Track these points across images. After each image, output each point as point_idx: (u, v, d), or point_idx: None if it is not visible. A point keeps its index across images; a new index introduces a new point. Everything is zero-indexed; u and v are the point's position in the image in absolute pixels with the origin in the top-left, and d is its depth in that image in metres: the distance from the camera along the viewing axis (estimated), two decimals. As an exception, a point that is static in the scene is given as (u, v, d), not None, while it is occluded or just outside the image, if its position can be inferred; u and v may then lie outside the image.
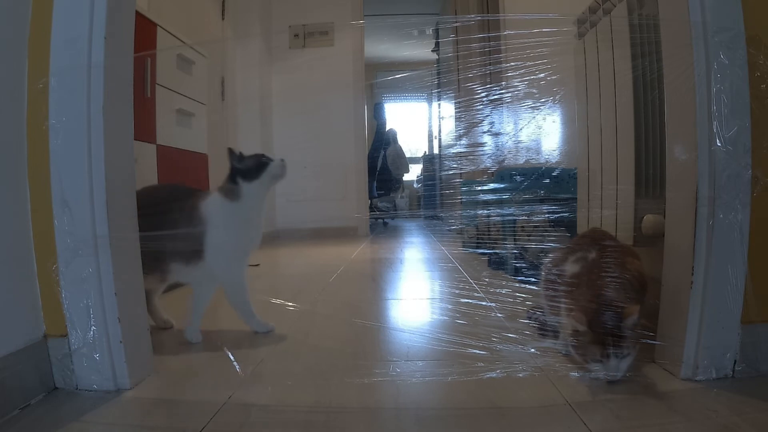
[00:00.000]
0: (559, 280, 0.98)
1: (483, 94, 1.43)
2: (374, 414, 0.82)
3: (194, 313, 1.22)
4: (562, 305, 0.94)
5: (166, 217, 1.13)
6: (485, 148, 1.74)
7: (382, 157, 5.39)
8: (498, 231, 1.94)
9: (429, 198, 4.64)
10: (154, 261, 1.09)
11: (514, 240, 1.80)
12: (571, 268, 0.97)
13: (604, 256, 0.95)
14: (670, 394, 0.84)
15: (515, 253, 1.71)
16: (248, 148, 3.96)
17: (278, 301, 1.64)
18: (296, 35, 4.12)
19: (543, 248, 1.31)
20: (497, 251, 1.89)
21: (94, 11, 0.88)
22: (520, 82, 1.24)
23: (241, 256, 1.24)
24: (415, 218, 5.76)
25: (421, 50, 6.03)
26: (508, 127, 1.67)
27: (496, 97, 1.39)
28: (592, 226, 1.48)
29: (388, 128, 5.61)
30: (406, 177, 5.96)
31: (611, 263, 0.93)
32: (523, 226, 1.75)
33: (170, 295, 1.76)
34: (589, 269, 0.94)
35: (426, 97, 7.40)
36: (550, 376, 0.91)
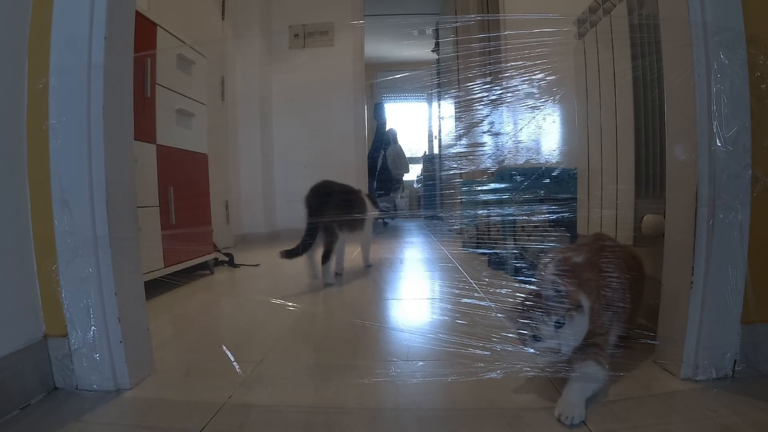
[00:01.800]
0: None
1: (483, 94, 1.43)
2: (374, 414, 0.82)
3: (364, 253, 2.36)
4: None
5: (353, 203, 2.08)
6: (485, 148, 1.74)
7: (382, 157, 5.39)
8: (498, 231, 1.94)
9: (429, 198, 4.64)
10: (338, 228, 1.94)
11: (514, 240, 1.80)
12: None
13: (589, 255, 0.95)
14: (670, 394, 0.84)
15: (515, 253, 1.71)
16: (248, 148, 3.97)
17: (278, 301, 1.64)
18: (296, 35, 4.12)
19: (543, 248, 1.31)
20: (497, 251, 1.89)
21: (94, 11, 0.88)
22: (520, 82, 1.24)
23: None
24: (415, 218, 5.76)
25: (421, 50, 6.03)
26: (508, 127, 1.67)
27: (496, 97, 1.39)
28: (592, 226, 1.48)
29: (388, 128, 5.61)
30: (406, 177, 5.95)
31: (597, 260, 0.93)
32: (523, 226, 1.75)
33: (176, 293, 1.76)
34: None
35: (426, 97, 7.40)
36: (551, 376, 0.91)
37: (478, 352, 1.02)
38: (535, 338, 0.83)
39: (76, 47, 0.88)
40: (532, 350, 0.86)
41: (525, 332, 0.85)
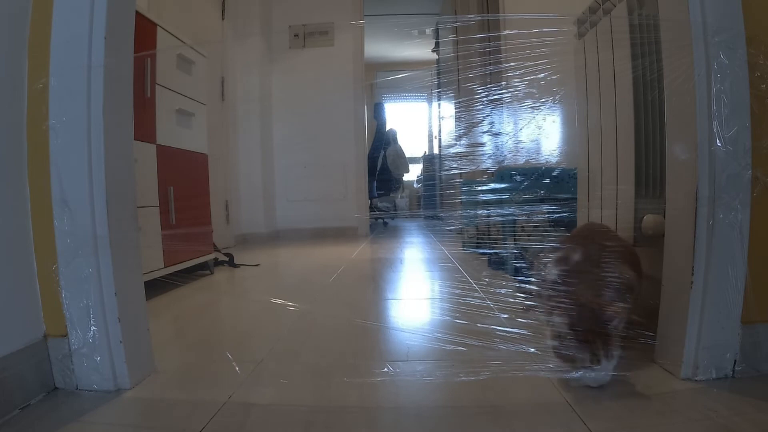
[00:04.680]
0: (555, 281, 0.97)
1: (483, 94, 1.43)
2: (375, 414, 0.82)
3: None
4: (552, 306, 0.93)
5: None
6: (485, 148, 1.75)
7: (382, 157, 5.39)
8: (498, 231, 1.94)
9: (429, 198, 4.64)
10: None
11: (514, 240, 1.80)
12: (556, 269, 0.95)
13: (592, 257, 0.94)
14: (670, 394, 0.84)
15: (515, 253, 1.71)
16: (248, 148, 4.00)
17: (278, 301, 1.64)
18: (296, 35, 4.12)
19: (543, 248, 1.31)
20: (497, 251, 1.89)
21: (94, 11, 0.88)
22: (520, 82, 1.24)
23: None
24: (415, 218, 5.76)
25: (421, 50, 6.03)
26: (508, 127, 1.67)
27: (496, 97, 1.39)
28: (590, 221, 1.48)
29: (388, 128, 5.61)
30: (406, 177, 5.96)
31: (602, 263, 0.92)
32: (523, 226, 1.75)
33: (176, 293, 1.76)
34: (577, 271, 0.92)
35: (426, 97, 7.40)
36: (551, 376, 0.91)
37: (478, 352, 1.02)
38: (585, 366, 0.81)
39: (76, 47, 0.88)
40: (578, 376, 0.84)
41: (582, 357, 0.81)
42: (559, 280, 0.91)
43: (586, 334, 0.81)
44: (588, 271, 0.91)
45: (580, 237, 1.08)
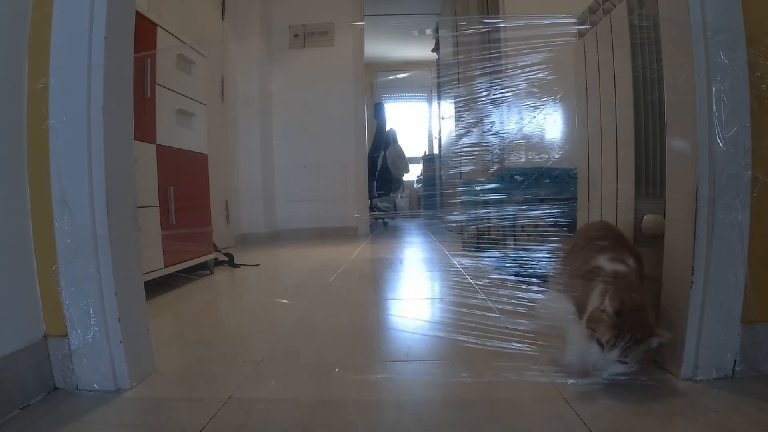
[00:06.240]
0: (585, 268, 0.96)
1: (483, 94, 1.43)
2: (375, 414, 0.82)
3: None
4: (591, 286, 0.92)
5: None
6: (485, 148, 1.75)
7: (382, 157, 5.40)
8: (498, 231, 1.94)
9: (429, 198, 4.65)
10: None
11: (514, 240, 1.80)
12: (610, 265, 0.94)
13: (639, 261, 0.95)
14: (670, 394, 0.84)
15: (515, 253, 1.71)
16: (248, 148, 4.00)
17: (279, 301, 1.64)
18: (296, 35, 4.12)
19: (543, 249, 1.31)
20: (497, 251, 1.89)
21: (94, 11, 0.88)
22: (520, 81, 1.25)
23: None
24: (415, 218, 5.76)
25: (421, 50, 6.03)
26: (508, 127, 1.67)
27: (496, 96, 1.39)
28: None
29: (388, 128, 5.61)
30: (406, 177, 5.96)
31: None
32: (523, 226, 1.75)
33: (176, 293, 1.76)
34: (635, 273, 0.92)
35: (426, 97, 7.41)
36: (551, 376, 0.91)
37: (479, 352, 1.02)
38: (599, 342, 0.81)
39: (76, 47, 0.88)
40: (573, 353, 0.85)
41: (603, 333, 0.81)
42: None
43: (626, 324, 0.80)
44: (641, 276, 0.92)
45: (620, 237, 1.08)
